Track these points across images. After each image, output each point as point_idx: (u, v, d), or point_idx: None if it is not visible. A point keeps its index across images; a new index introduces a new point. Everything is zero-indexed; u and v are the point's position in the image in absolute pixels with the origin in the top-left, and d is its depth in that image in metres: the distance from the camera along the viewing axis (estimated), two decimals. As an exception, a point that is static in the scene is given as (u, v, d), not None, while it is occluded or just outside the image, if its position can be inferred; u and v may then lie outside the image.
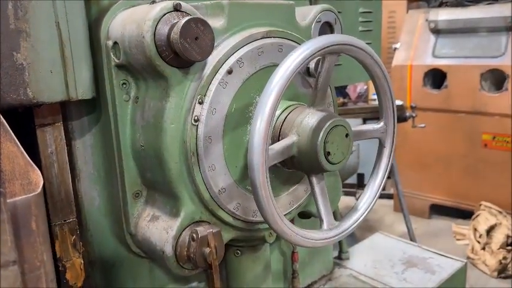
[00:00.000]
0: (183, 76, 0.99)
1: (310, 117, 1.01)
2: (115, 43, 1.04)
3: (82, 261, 1.15)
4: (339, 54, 1.26)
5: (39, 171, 0.64)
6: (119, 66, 1.06)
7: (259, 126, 0.86)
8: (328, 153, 1.01)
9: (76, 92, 1.03)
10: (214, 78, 1.00)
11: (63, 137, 1.09)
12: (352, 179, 4.97)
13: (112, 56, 1.05)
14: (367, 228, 4.54)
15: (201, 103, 0.99)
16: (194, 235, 1.01)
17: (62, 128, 1.08)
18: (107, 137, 1.14)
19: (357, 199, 1.18)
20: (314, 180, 1.07)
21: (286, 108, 1.06)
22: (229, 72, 1.01)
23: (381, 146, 1.16)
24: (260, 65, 1.06)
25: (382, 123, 1.14)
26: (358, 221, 1.12)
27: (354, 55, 1.01)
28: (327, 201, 1.09)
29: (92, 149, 1.18)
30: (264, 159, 0.88)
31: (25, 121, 1.07)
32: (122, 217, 1.17)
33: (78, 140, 1.16)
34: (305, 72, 1.14)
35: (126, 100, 1.09)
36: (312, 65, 1.09)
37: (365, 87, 5.13)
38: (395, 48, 4.55)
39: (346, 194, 5.26)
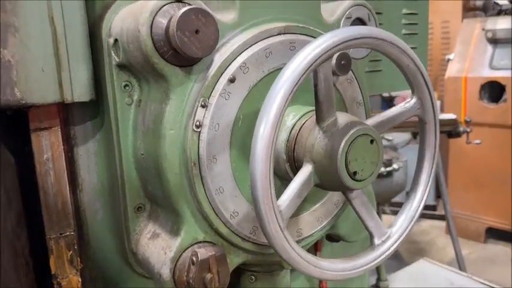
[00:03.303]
0: (184, 76, 0.87)
1: (320, 140, 0.85)
2: (115, 40, 0.94)
3: (80, 279, 1.05)
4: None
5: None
6: (121, 67, 0.96)
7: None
8: (355, 173, 0.86)
9: (72, 94, 0.93)
10: (217, 84, 0.88)
11: (61, 142, 1.00)
12: (400, 197, 4.69)
13: (113, 54, 0.95)
14: (416, 251, 4.26)
15: (203, 106, 0.87)
16: (194, 258, 0.88)
17: (60, 133, 0.99)
18: (110, 144, 1.04)
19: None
20: (349, 195, 0.92)
21: (303, 116, 0.92)
22: (232, 80, 0.88)
23: (422, 124, 0.98)
24: (269, 68, 0.93)
25: (415, 99, 0.96)
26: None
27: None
28: (371, 211, 0.94)
29: (95, 157, 1.08)
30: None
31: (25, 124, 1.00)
32: (124, 233, 1.06)
33: (81, 146, 1.07)
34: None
35: (129, 103, 0.99)
36: (333, 61, 0.94)
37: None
38: (448, 59, 4.29)
39: (394, 213, 4.98)
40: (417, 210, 0.96)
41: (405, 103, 0.97)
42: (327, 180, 0.85)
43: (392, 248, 0.92)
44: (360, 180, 0.85)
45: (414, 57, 0.92)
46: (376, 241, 0.93)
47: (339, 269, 0.86)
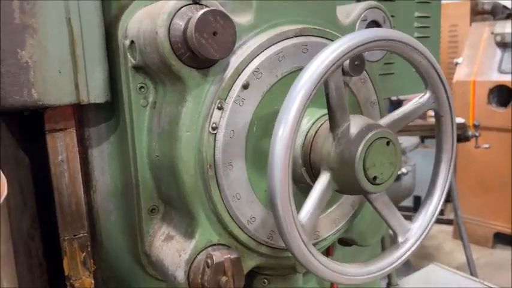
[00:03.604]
0: (201, 78, 0.87)
1: (336, 147, 0.84)
2: (132, 42, 0.94)
3: (92, 281, 1.05)
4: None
5: (5, 181, 0.54)
6: (137, 68, 0.96)
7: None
8: (374, 178, 0.85)
9: (88, 95, 0.94)
10: (231, 90, 0.88)
11: (76, 144, 1.00)
12: (408, 202, 4.66)
13: (129, 56, 0.95)
14: (423, 256, 4.23)
15: (220, 109, 0.87)
16: (209, 261, 0.88)
17: (75, 134, 1.00)
18: (124, 146, 1.04)
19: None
20: (370, 197, 0.92)
21: (318, 119, 0.91)
22: (245, 86, 0.88)
23: (438, 117, 0.98)
24: (282, 72, 0.92)
25: (428, 93, 0.96)
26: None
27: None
28: (394, 210, 0.95)
29: (109, 158, 1.08)
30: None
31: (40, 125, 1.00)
32: (137, 234, 1.06)
33: (95, 148, 1.07)
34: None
35: (144, 105, 0.99)
36: (346, 63, 0.93)
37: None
38: (457, 63, 4.28)
39: (401, 217, 4.93)
40: (439, 202, 0.96)
41: (419, 98, 0.96)
42: (346, 186, 0.84)
43: (414, 246, 0.92)
44: (380, 184, 0.85)
45: (427, 53, 0.92)
46: (400, 239, 0.93)
47: (365, 273, 0.85)
